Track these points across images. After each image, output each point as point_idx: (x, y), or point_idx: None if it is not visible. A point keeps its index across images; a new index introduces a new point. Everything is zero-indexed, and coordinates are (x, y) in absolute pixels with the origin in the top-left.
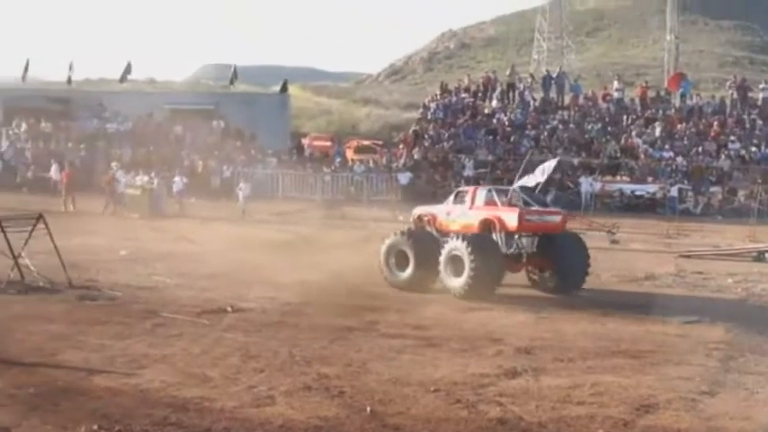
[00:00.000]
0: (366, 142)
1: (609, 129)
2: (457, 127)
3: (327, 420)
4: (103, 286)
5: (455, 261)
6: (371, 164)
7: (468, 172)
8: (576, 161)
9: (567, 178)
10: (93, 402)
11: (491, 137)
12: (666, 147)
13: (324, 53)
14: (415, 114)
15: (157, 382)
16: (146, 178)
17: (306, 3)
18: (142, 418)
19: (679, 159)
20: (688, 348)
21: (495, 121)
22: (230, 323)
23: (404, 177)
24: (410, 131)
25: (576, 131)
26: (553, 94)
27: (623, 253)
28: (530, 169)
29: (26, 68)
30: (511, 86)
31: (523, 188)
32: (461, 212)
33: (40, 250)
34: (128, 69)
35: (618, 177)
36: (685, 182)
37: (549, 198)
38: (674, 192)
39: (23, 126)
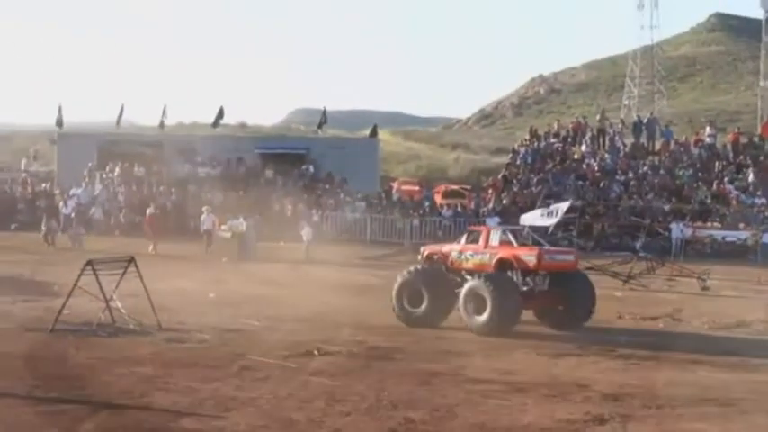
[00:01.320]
0: (454, 187)
1: (700, 174)
2: (546, 172)
3: None
4: (192, 329)
5: (476, 299)
6: (459, 208)
7: (558, 218)
8: (666, 207)
9: (658, 224)
10: None
11: (580, 182)
12: (759, 193)
13: (413, 98)
14: (504, 159)
15: (244, 425)
16: (236, 222)
17: (396, 47)
18: None
19: None
20: None
21: (584, 166)
22: (317, 366)
23: (492, 222)
24: (499, 176)
25: (667, 177)
26: (643, 140)
27: (714, 300)
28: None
29: (121, 113)
30: (601, 132)
31: (533, 228)
32: (475, 251)
33: (131, 293)
34: (220, 114)
35: (709, 224)
36: None
37: (638, 244)
38: (765, 239)
39: (117, 170)
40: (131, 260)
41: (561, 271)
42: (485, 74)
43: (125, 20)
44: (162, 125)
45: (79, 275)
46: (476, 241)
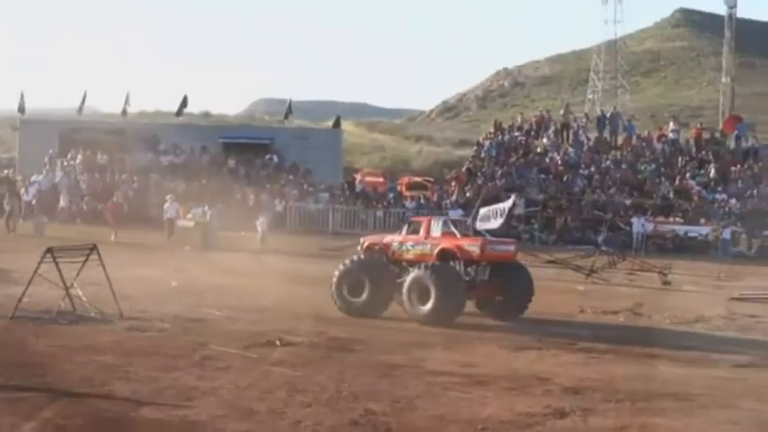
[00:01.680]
0: (418, 179)
1: (663, 170)
2: (509, 165)
3: None
4: (153, 317)
5: (420, 289)
6: (423, 200)
7: (519, 210)
8: (628, 201)
9: (620, 218)
10: None
11: (543, 175)
12: (720, 189)
13: (377, 89)
14: (468, 152)
15: (205, 415)
16: (198, 211)
17: (362, 38)
18: None
19: (732, 201)
20: (738, 392)
21: (547, 159)
22: (278, 357)
23: (454, 214)
24: (463, 169)
25: (629, 172)
26: (607, 134)
27: (675, 294)
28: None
29: (83, 100)
30: (565, 126)
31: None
32: (416, 242)
33: (93, 281)
34: (184, 102)
35: (671, 218)
36: (739, 224)
37: (600, 238)
38: (726, 234)
39: (79, 157)
40: (93, 248)
41: (501, 261)
42: (449, 66)
43: (89, 6)
44: (125, 113)
45: (39, 263)
46: (416, 232)
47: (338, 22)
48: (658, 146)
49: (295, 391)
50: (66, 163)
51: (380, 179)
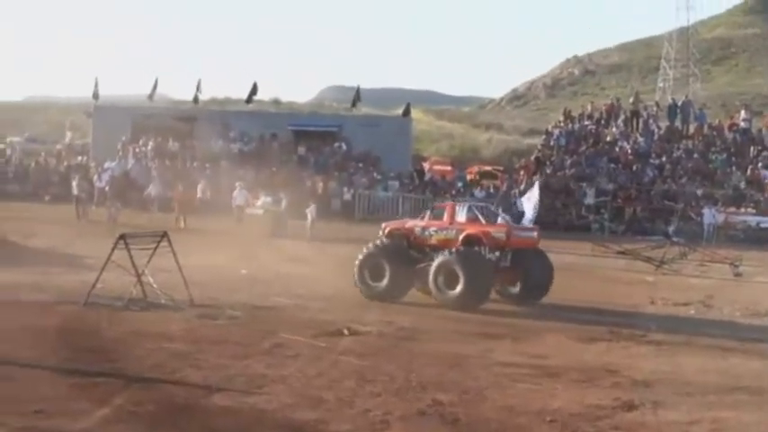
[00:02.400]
0: (487, 167)
1: (734, 159)
2: (579, 154)
3: None
4: (224, 305)
5: (448, 274)
6: (492, 189)
7: (589, 200)
8: (699, 191)
9: (690, 209)
10: (212, 421)
11: (613, 165)
12: None
13: (446, 77)
14: (537, 140)
15: (275, 403)
16: (268, 199)
17: (429, 25)
18: None
19: None
20: None
21: (617, 149)
22: (347, 346)
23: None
24: (532, 158)
25: (700, 161)
26: (678, 123)
27: (746, 286)
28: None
29: (155, 87)
30: (635, 114)
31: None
32: (440, 227)
33: (164, 268)
34: (254, 90)
35: (742, 209)
36: None
37: (671, 229)
38: None
39: (150, 144)
40: (164, 235)
41: (523, 248)
42: (518, 54)
43: None
44: (196, 99)
45: (112, 249)
46: (440, 217)
47: (406, 8)
48: (730, 135)
49: (363, 380)
50: (137, 149)
51: (449, 167)
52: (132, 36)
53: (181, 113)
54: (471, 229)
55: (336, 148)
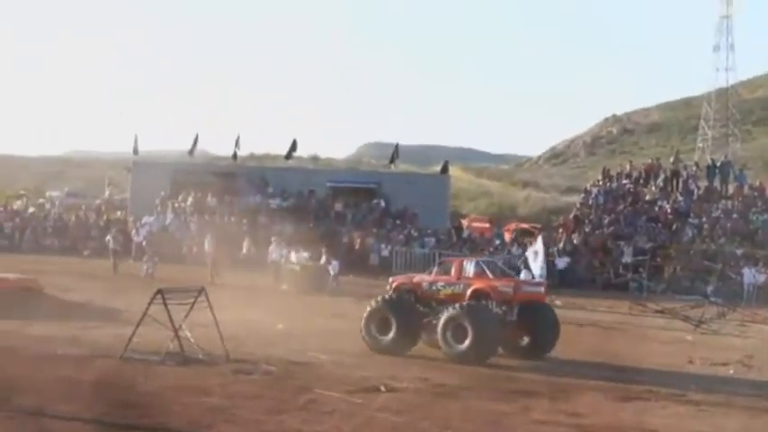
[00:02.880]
0: (525, 225)
1: None
2: (617, 213)
3: None
4: (259, 360)
5: (456, 328)
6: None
7: (627, 258)
8: (739, 251)
9: (730, 269)
10: None
11: (652, 224)
12: None
13: (484, 134)
14: (575, 198)
15: None
16: (305, 255)
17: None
18: None
19: None
20: None
21: (656, 208)
22: (383, 402)
23: (561, 262)
24: (570, 216)
25: (740, 221)
26: (717, 183)
27: None
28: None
29: (194, 143)
30: (674, 174)
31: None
32: (447, 282)
33: (200, 323)
34: (293, 146)
35: None
36: None
37: (710, 289)
38: None
39: (189, 200)
40: (201, 290)
41: (530, 302)
42: (557, 112)
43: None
44: (235, 155)
45: (149, 304)
46: (447, 272)
47: (445, 66)
48: None
49: None
50: (176, 205)
51: (487, 225)
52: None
53: (220, 169)
54: (479, 284)
55: (374, 205)
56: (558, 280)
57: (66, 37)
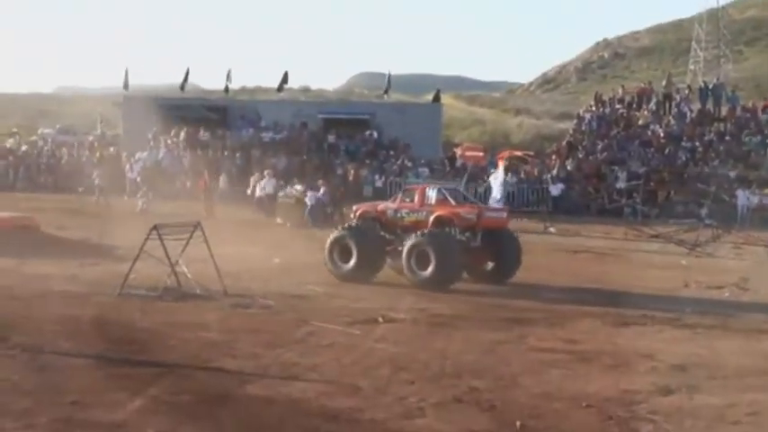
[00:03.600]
0: (518, 153)
1: None
2: (610, 138)
3: None
4: (257, 294)
5: (419, 255)
6: (523, 175)
7: (621, 184)
8: (732, 174)
9: (723, 191)
10: (248, 410)
11: (645, 149)
12: None
13: (475, 62)
14: (568, 125)
15: (309, 392)
16: (299, 188)
17: (458, 10)
18: (295, 427)
19: None
20: None
21: (649, 132)
22: (381, 334)
23: (555, 189)
24: (564, 142)
25: (733, 143)
26: (710, 106)
27: None
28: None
29: (185, 77)
30: (667, 97)
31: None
32: (411, 209)
33: (197, 258)
34: (284, 79)
35: None
36: None
37: (703, 211)
38: None
39: (182, 134)
40: (197, 225)
41: (493, 229)
42: (548, 38)
43: None
44: (227, 90)
45: (145, 240)
46: (411, 200)
47: None
48: (763, 117)
49: (398, 367)
50: (169, 140)
51: (481, 153)
52: (163, 26)
53: (211, 103)
54: (441, 211)
55: (367, 136)
56: (552, 207)
57: None
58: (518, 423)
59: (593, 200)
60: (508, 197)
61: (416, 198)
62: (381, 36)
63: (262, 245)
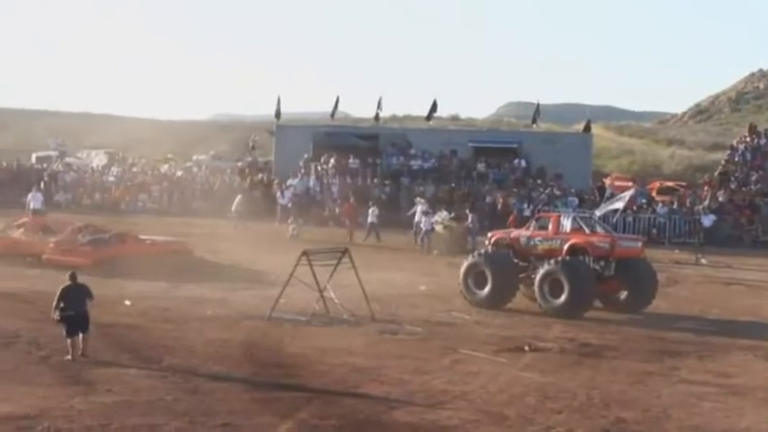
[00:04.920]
0: (669, 183)
1: None
2: (765, 169)
3: None
4: (404, 321)
5: (553, 282)
6: (675, 205)
7: None
8: None
9: None
10: None
11: None
12: None
13: (626, 92)
14: (721, 156)
15: (456, 419)
16: (446, 214)
17: (609, 40)
18: None
19: None
20: None
21: None
22: (528, 362)
23: (707, 219)
24: (716, 173)
25: None
26: None
27: None
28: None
29: (336, 105)
30: None
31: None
32: (545, 237)
33: (344, 284)
34: (434, 107)
35: None
36: None
37: None
38: None
39: (332, 162)
40: (345, 251)
41: (628, 258)
42: (701, 67)
43: (344, 12)
44: (377, 117)
45: (295, 265)
46: (545, 228)
47: (585, 23)
48: None
49: (545, 397)
50: (319, 167)
51: (630, 183)
52: (315, 55)
53: (362, 131)
54: (576, 239)
55: (516, 165)
56: (704, 238)
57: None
58: None
59: (746, 231)
60: (661, 227)
61: (550, 226)
62: (531, 66)
63: (409, 271)
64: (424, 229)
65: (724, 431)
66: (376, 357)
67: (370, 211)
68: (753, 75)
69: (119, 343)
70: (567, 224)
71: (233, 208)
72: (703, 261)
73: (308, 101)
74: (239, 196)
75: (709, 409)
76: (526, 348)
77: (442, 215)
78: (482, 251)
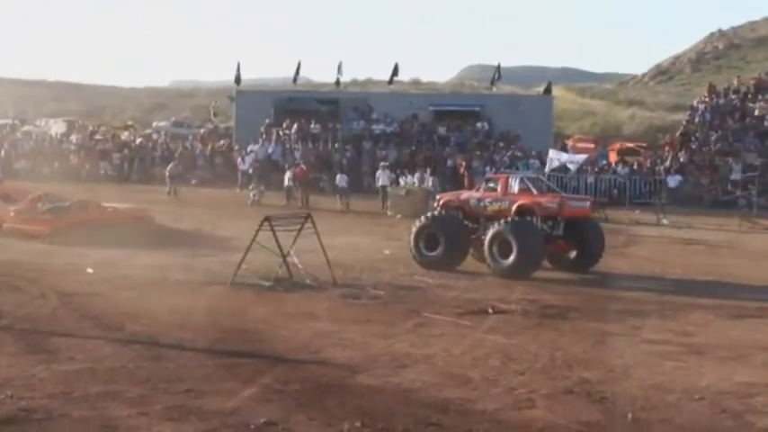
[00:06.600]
0: (630, 144)
1: None
2: (725, 129)
3: (589, 426)
4: (367, 285)
5: (501, 243)
6: (635, 166)
7: (736, 175)
8: None
9: None
10: (357, 400)
11: (761, 140)
12: None
13: (587, 53)
14: (682, 116)
15: (419, 382)
16: (410, 179)
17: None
18: (404, 417)
19: None
20: None
21: (765, 123)
22: (491, 325)
23: (673, 180)
24: (677, 134)
25: None
26: None
27: None
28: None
29: (297, 70)
30: None
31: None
32: (494, 199)
33: (307, 249)
34: (395, 71)
35: None
36: None
37: None
38: None
39: (294, 127)
40: (308, 216)
41: (576, 218)
42: (661, 29)
43: None
44: (338, 82)
45: (257, 231)
46: (493, 189)
47: None
48: None
49: (508, 358)
50: (281, 133)
51: (592, 145)
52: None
53: (323, 96)
54: (524, 200)
55: (478, 128)
56: (666, 198)
57: None
58: (629, 415)
59: (706, 192)
60: (621, 188)
61: (499, 187)
62: (492, 28)
63: (373, 235)
64: (380, 184)
65: (685, 389)
66: (339, 321)
67: (339, 176)
68: (712, 35)
69: (81, 311)
70: (515, 185)
71: (166, 173)
72: (665, 221)
73: (270, 67)
74: (172, 163)
75: (670, 368)
76: (489, 311)
77: (407, 179)
78: (431, 214)
